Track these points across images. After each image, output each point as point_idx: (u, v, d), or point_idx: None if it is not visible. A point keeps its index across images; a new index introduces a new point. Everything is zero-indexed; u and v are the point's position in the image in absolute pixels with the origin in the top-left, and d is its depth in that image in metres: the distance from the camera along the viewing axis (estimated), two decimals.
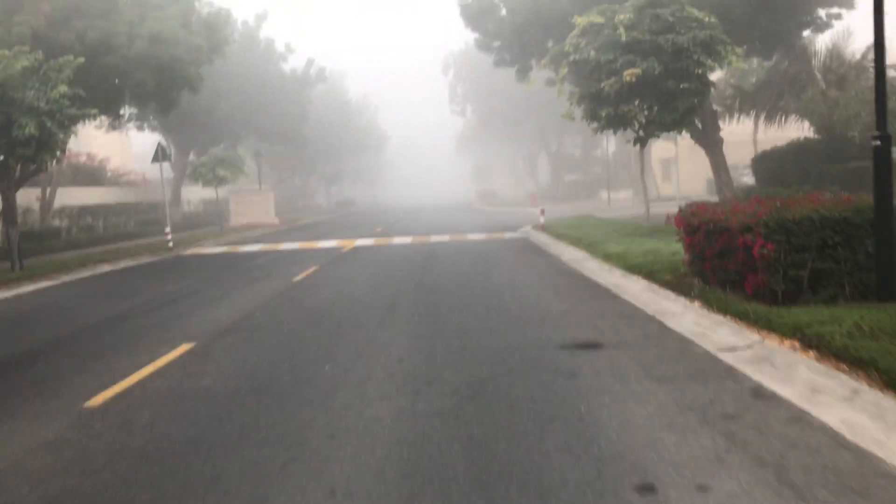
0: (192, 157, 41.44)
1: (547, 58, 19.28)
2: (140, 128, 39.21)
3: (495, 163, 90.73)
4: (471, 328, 8.53)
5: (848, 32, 23.51)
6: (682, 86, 16.19)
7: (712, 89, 17.15)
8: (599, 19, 16.85)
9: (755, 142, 34.85)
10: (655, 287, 10.51)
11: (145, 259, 21.80)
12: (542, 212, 23.91)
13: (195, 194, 48.09)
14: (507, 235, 23.56)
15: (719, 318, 8.10)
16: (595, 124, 17.74)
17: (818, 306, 7.75)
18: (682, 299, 9.36)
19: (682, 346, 7.22)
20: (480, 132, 72.67)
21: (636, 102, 16.80)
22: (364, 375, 6.65)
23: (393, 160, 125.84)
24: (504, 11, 25.06)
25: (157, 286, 14.98)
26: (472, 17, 25.67)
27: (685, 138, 43.94)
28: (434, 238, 23.71)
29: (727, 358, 6.61)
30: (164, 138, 42.00)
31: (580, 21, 17.22)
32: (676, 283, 10.27)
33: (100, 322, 10.69)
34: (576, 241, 17.75)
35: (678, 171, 40.57)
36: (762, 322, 7.40)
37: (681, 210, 10.79)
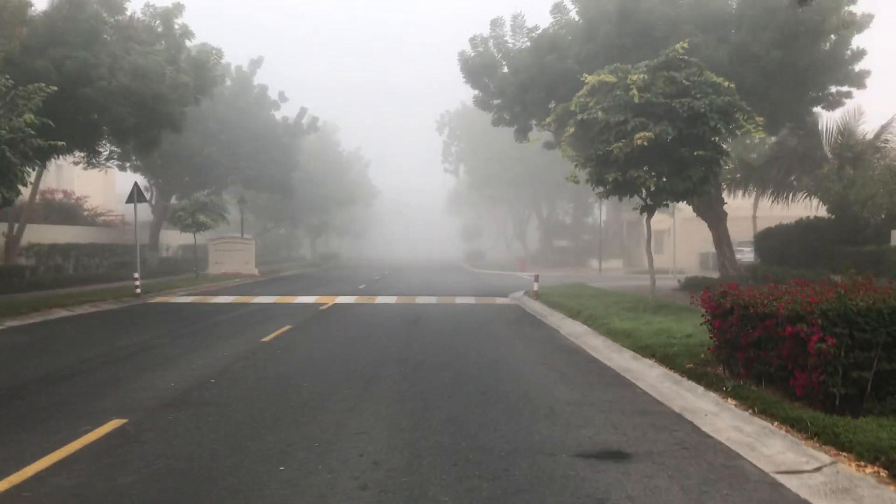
0: (174, 200, 40.06)
1: (552, 116, 18.20)
2: (122, 168, 37.85)
3: (485, 224, 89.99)
4: (464, 420, 7.04)
5: (859, 111, 22.75)
6: (696, 153, 15.06)
7: (724, 160, 16.03)
8: (611, 78, 15.82)
9: (755, 218, 34.03)
10: (675, 376, 9.09)
11: (108, 305, 20.17)
12: (536, 278, 22.59)
13: (174, 239, 46.54)
14: (499, 301, 22.17)
15: (765, 423, 6.68)
16: (600, 189, 16.55)
17: (889, 418, 6.36)
18: (711, 394, 7.94)
19: (730, 461, 5.78)
20: (472, 192, 71.96)
21: (645, 168, 15.65)
22: (326, 485, 5.15)
23: (382, 215, 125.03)
24: (506, 69, 24.20)
25: (109, 339, 13.38)
26: (474, 73, 24.78)
27: (681, 210, 43.20)
28: (420, 300, 22.27)
29: (794, 486, 5.18)
30: (147, 179, 40.73)
31: (590, 79, 16.19)
32: (700, 372, 8.87)
33: (24, 383, 9.09)
34: (574, 313, 16.38)
35: (674, 244, 39.56)
36: (825, 435, 5.99)
37: (708, 289, 9.45)
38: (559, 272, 45.38)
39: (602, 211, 47.00)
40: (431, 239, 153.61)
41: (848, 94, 22.62)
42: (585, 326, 14.46)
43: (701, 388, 8.25)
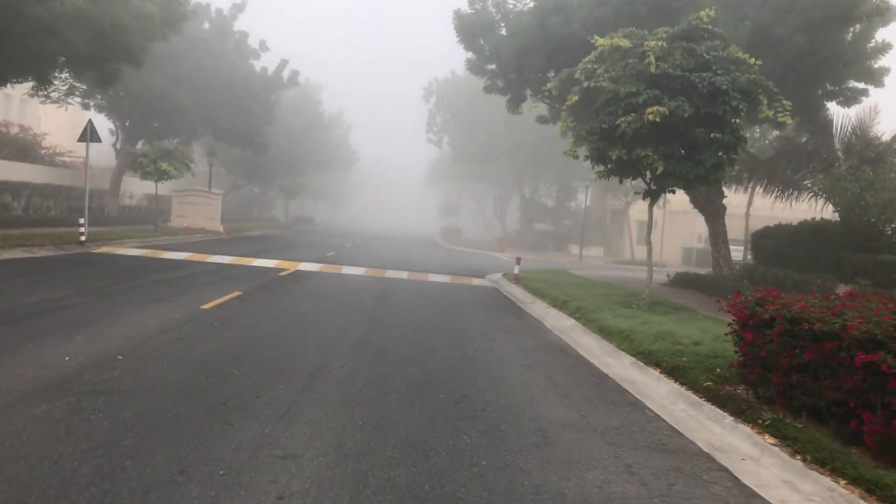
0: (140, 146, 37.66)
1: (554, 81, 16.37)
2: (86, 106, 35.34)
3: (464, 202, 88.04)
4: (430, 446, 5.28)
5: (875, 110, 21.17)
6: (712, 135, 13.37)
7: (741, 147, 14.33)
8: (625, 43, 14.01)
9: (748, 215, 32.61)
10: (692, 396, 7.43)
11: (44, 252, 18.10)
12: (518, 261, 20.87)
13: (140, 188, 44.13)
14: (475, 282, 20.45)
15: (829, 483, 5.02)
16: (600, 168, 14.80)
17: None
18: (743, 427, 6.29)
19: None
20: (454, 166, 69.84)
21: (654, 148, 13.92)
22: None
23: (360, 182, 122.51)
24: (504, 31, 22.26)
25: (21, 292, 11.41)
26: (469, 33, 22.78)
27: (671, 201, 41.75)
28: (390, 273, 20.48)
29: None
30: (113, 121, 38.23)
31: (602, 43, 14.37)
32: (723, 394, 7.21)
33: None
34: (559, 303, 14.71)
35: (662, 237, 38.11)
36: None
37: (740, 294, 7.77)
38: (538, 256, 43.80)
39: (587, 196, 45.38)
40: (409, 212, 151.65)
41: (864, 92, 21.05)
42: (573, 320, 12.78)
43: (728, 418, 6.59)
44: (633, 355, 9.44)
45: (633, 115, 13.65)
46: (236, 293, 13.18)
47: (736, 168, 22.29)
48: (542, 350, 10.13)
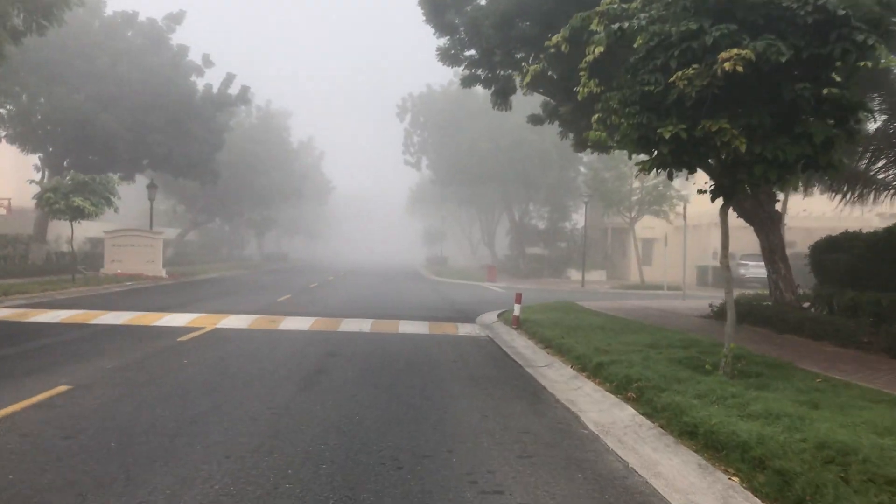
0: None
1: (563, 32, 11.29)
2: None
3: (449, 228, 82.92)
4: None
5: None
6: (825, 91, 8.29)
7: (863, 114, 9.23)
8: None
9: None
10: None
11: None
12: (518, 299, 15.58)
13: (81, 231, 38.66)
14: (463, 331, 15.13)
15: None
16: (642, 158, 9.65)
17: None
18: None
19: None
20: (435, 190, 64.76)
21: (729, 119, 8.75)
22: None
23: (339, 214, 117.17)
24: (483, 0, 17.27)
25: None
26: (437, 8, 17.77)
27: (678, 214, 36.57)
28: (346, 325, 15.17)
29: None
30: (38, 155, 32.90)
31: None
32: None
33: None
34: (592, 367, 9.55)
35: (684, 251, 32.90)
36: None
37: None
38: (534, 284, 38.61)
39: (586, 213, 40.28)
40: (393, 241, 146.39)
41: None
42: (631, 409, 7.50)
43: None
44: None
45: (695, 67, 8.52)
46: (62, 388, 7.85)
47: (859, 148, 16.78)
48: None
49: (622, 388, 8.49)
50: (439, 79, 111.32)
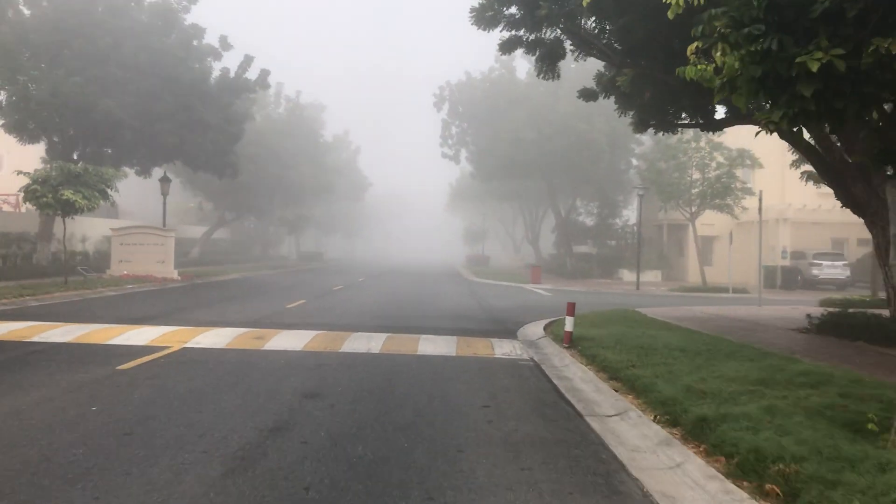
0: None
1: None
2: None
3: (492, 224, 79.45)
4: None
5: None
6: None
7: None
8: None
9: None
10: None
11: None
12: (570, 310, 12.20)
13: (97, 229, 36.36)
14: (500, 351, 11.77)
15: None
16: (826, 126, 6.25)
17: None
18: None
19: None
20: (476, 185, 61.38)
21: None
22: None
23: (378, 210, 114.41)
24: None
25: None
26: None
27: (746, 209, 32.64)
28: (353, 342, 11.96)
29: None
30: (42, 144, 30.53)
31: None
32: None
33: None
34: (697, 430, 6.20)
35: (759, 250, 28.96)
36: None
37: None
38: (582, 286, 35.06)
39: (639, 208, 36.52)
40: (433, 240, 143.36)
41: None
42: None
43: None
44: None
45: None
46: None
47: None
48: None
49: (751, 471, 5.17)
50: (477, 66, 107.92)
